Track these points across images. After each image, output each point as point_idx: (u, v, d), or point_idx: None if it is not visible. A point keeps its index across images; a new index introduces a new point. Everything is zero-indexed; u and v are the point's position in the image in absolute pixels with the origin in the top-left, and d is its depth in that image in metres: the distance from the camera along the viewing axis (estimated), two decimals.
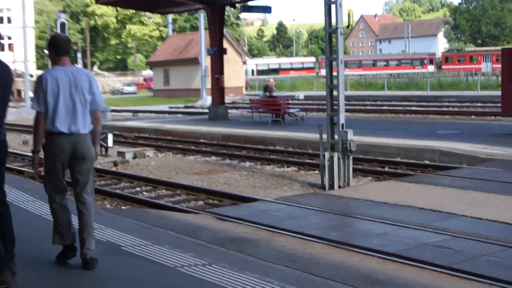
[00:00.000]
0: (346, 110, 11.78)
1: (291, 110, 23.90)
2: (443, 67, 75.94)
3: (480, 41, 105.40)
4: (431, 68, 79.28)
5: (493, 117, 25.20)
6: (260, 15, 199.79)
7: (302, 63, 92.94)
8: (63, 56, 5.48)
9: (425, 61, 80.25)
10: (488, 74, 54.47)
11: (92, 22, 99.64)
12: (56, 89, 5.35)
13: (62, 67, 5.45)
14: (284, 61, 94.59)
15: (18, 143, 21.86)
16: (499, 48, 77.42)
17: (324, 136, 11.54)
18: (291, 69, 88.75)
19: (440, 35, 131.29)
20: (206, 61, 42.16)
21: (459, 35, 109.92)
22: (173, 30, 69.41)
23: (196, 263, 5.79)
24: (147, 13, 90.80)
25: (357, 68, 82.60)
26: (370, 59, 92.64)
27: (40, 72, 73.69)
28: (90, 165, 5.58)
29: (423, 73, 69.10)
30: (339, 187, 11.00)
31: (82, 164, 5.49)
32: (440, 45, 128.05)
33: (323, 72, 78.23)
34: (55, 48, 5.46)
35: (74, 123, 5.41)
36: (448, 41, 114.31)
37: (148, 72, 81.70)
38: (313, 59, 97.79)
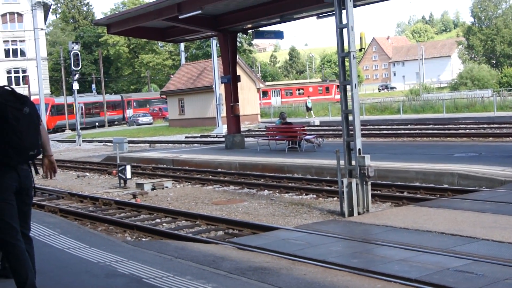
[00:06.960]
0: (362, 135, 11.80)
1: (307, 137, 23.89)
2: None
3: (494, 61, 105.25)
4: None
5: (510, 138, 25.05)
6: (273, 41, 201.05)
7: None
8: None
9: None
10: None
11: (104, 52, 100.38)
12: None
13: None
14: None
15: (37, 177, 21.97)
16: (288, 82, 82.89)
17: (342, 162, 11.57)
18: None
19: (454, 55, 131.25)
20: (220, 89, 42.37)
21: (473, 56, 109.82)
22: (186, 58, 69.62)
23: None
24: (159, 42, 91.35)
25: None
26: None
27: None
28: None
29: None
30: (359, 213, 10.99)
31: None
32: (455, 65, 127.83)
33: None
34: None
35: None
36: (463, 61, 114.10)
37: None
38: None
